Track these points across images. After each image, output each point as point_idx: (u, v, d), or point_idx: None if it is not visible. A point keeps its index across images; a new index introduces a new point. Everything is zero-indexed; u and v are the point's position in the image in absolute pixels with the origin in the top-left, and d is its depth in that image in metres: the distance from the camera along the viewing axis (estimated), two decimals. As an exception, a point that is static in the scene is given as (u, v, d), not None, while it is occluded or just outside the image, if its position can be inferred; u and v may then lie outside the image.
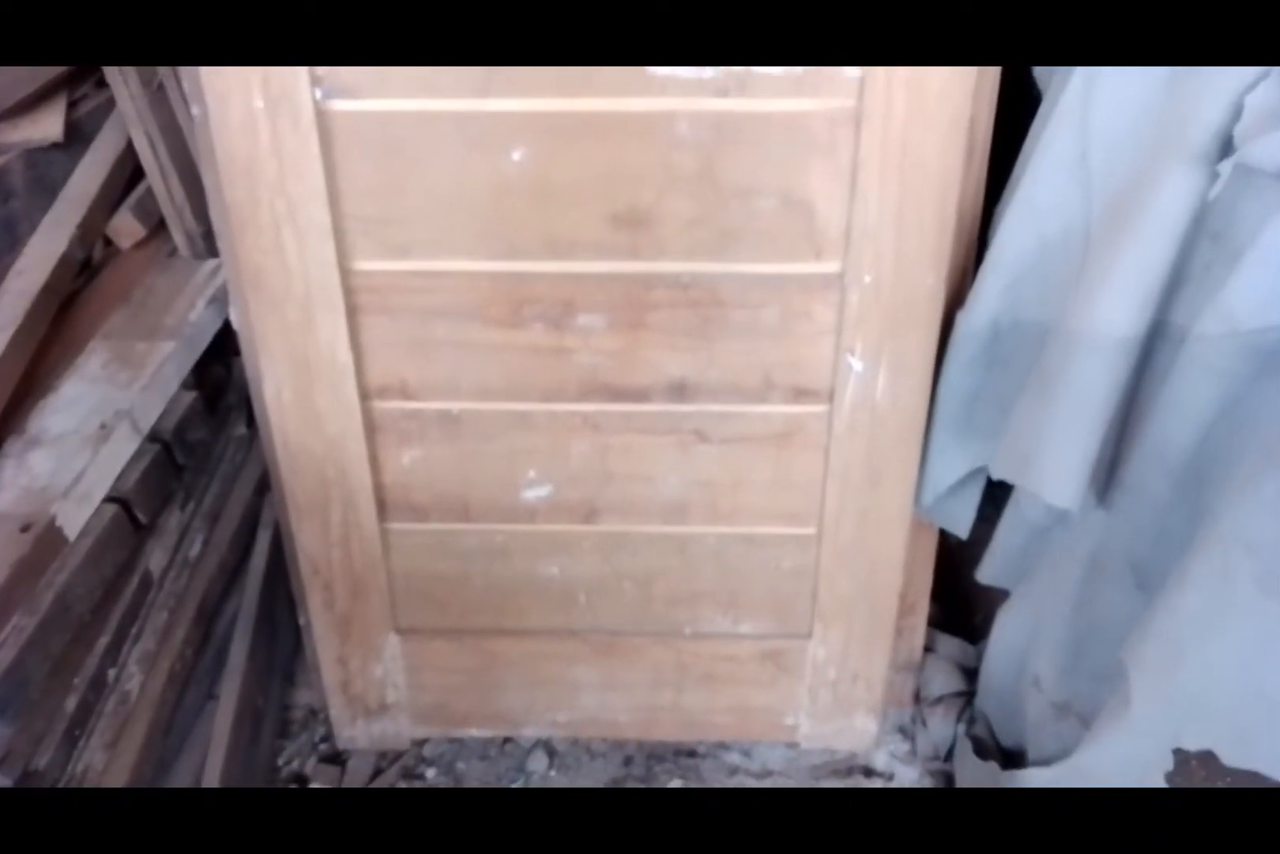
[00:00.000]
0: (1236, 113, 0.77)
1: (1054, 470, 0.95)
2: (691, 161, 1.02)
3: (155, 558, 1.19)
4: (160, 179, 1.29)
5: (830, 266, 1.06)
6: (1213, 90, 0.78)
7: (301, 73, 0.96)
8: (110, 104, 1.37)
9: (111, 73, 1.24)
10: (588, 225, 1.05)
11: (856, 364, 1.10)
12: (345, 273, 1.07)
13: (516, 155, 1.01)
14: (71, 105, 1.40)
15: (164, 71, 1.24)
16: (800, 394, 1.14)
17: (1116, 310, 0.88)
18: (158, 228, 1.36)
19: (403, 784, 1.36)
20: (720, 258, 1.07)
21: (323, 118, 0.99)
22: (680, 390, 1.14)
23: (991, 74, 1.00)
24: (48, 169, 1.34)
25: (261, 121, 0.99)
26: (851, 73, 0.97)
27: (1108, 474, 0.97)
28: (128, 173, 1.35)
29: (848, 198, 1.02)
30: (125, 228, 1.31)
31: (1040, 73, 1.00)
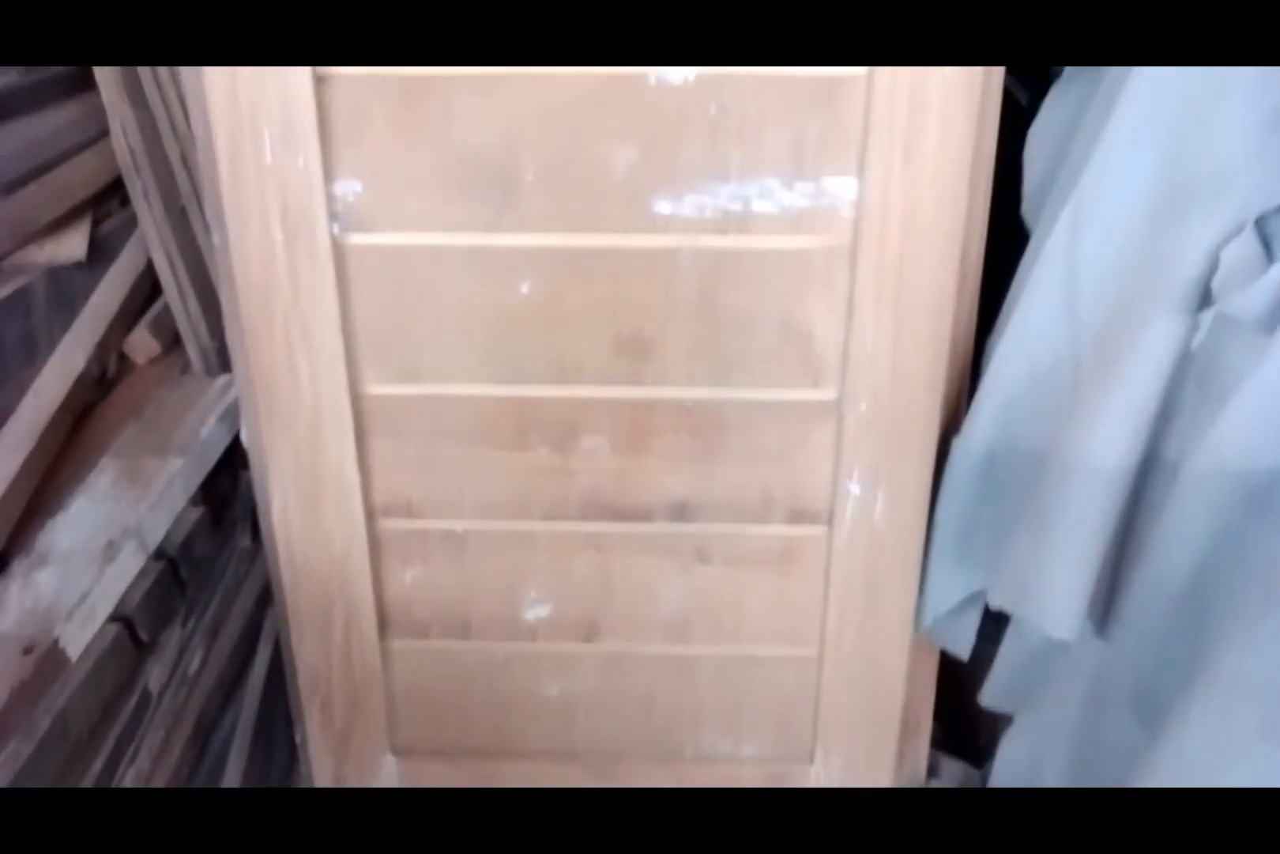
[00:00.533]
0: (1214, 265, 0.80)
1: (1052, 601, 0.95)
2: (693, 293, 1.05)
3: (155, 676, 1.19)
4: (178, 297, 1.33)
5: (828, 393, 1.09)
6: (1191, 241, 0.82)
7: (320, 208, 1.01)
8: (133, 222, 1.43)
9: (136, 196, 1.29)
10: (593, 352, 1.08)
11: (855, 487, 1.12)
12: (356, 396, 1.10)
13: (525, 287, 1.05)
14: (96, 223, 1.46)
15: (186, 196, 1.29)
16: (800, 516, 1.15)
17: (1109, 443, 0.90)
18: (172, 344, 1.40)
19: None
20: (721, 384, 1.09)
21: (339, 250, 1.03)
22: (682, 511, 1.16)
23: (981, 211, 1.04)
24: (69, 285, 1.39)
25: (280, 252, 1.03)
26: (847, 212, 1.02)
27: (1106, 605, 0.98)
28: (146, 290, 1.39)
29: (844, 328, 1.06)
30: (141, 344, 1.35)
31: (1028, 211, 1.05)
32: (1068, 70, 0.97)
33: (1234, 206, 0.80)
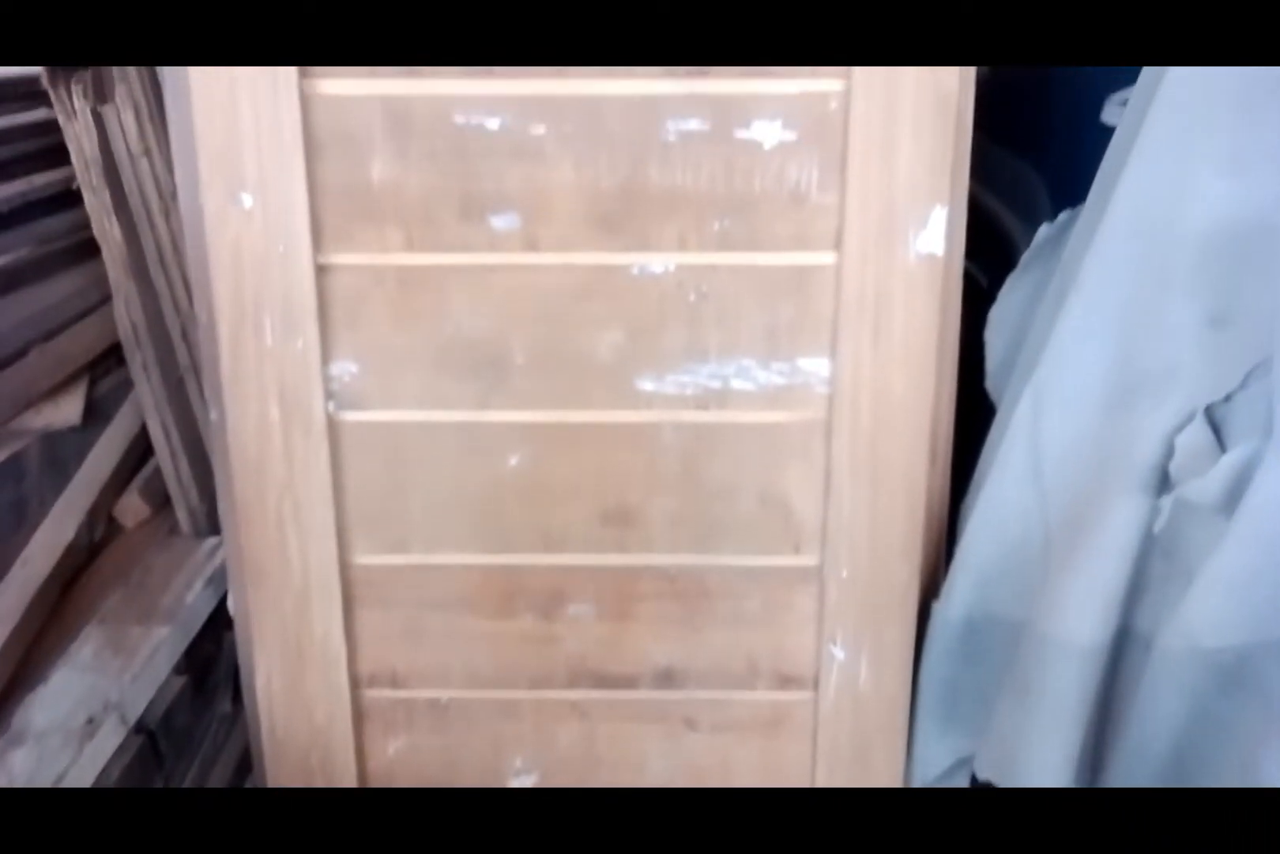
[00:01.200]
0: (1169, 450, 0.85)
1: (1037, 774, 0.96)
2: (675, 465, 1.09)
3: None
4: (170, 462, 1.36)
5: (809, 560, 1.12)
6: (1146, 427, 0.87)
7: (317, 388, 1.05)
8: (128, 383, 1.47)
9: (135, 368, 1.34)
10: (578, 522, 1.11)
11: (839, 653, 1.13)
12: (344, 566, 1.11)
13: (513, 460, 1.09)
14: (92, 383, 1.50)
15: (184, 367, 1.34)
16: (786, 681, 1.16)
17: (1082, 618, 0.93)
18: (162, 505, 1.42)
19: None
20: (704, 551, 1.12)
21: (334, 427, 1.07)
22: (668, 677, 1.16)
23: (949, 387, 1.09)
24: (63, 448, 1.41)
25: (276, 431, 1.06)
26: (821, 389, 1.07)
27: (1091, 776, 0.98)
28: (139, 453, 1.42)
29: (823, 497, 1.09)
30: (132, 508, 1.37)
31: (993, 386, 1.10)
32: (1022, 260, 1.04)
33: (1182, 396, 0.85)
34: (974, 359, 1.11)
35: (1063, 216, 0.98)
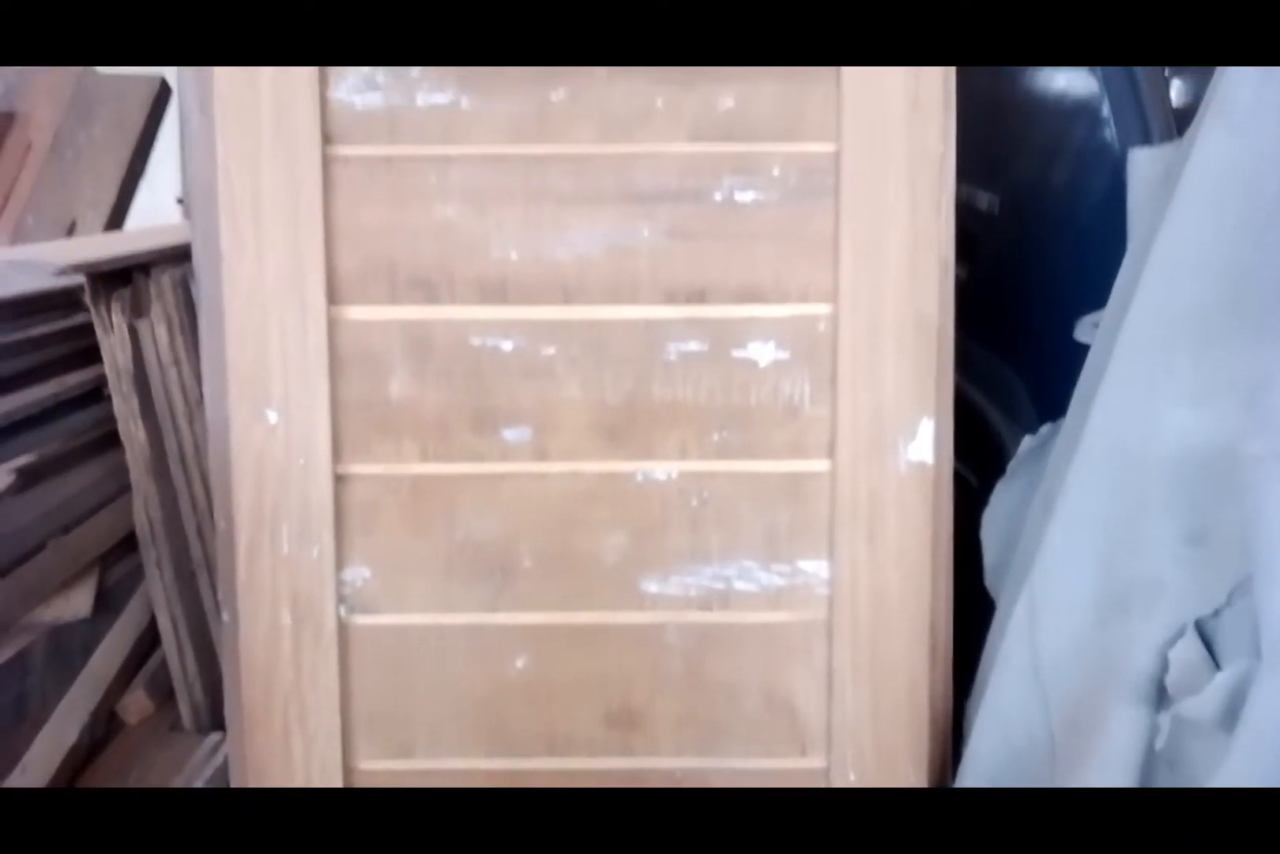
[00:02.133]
0: (1164, 663, 0.87)
1: None
2: (680, 666, 1.10)
3: None
4: (177, 656, 1.37)
5: (816, 762, 1.11)
6: (1138, 639, 0.89)
7: (329, 594, 1.07)
8: (139, 572, 1.49)
9: (149, 563, 1.37)
10: (583, 724, 1.11)
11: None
12: (348, 771, 1.10)
13: (520, 662, 1.10)
14: (103, 571, 1.52)
15: (197, 562, 1.37)
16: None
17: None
18: (165, 699, 1.41)
19: None
20: (710, 754, 1.11)
21: (344, 631, 1.09)
22: (674, 888, 1.13)
23: (945, 585, 1.12)
24: (70, 641, 1.42)
25: (286, 635, 1.08)
26: (821, 590, 1.09)
27: None
28: (146, 647, 1.43)
29: (826, 698, 1.10)
30: (136, 705, 1.36)
31: (991, 583, 1.13)
32: (1009, 468, 1.09)
33: (1169, 609, 0.88)
34: (972, 555, 1.15)
35: (1044, 429, 1.04)
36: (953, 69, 1.01)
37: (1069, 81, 1.22)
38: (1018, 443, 1.16)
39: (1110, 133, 1.10)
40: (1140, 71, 1.08)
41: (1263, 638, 0.77)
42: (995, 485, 1.12)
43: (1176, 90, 1.08)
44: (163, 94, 2.82)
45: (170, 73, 4.34)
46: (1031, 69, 1.34)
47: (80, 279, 1.29)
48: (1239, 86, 0.78)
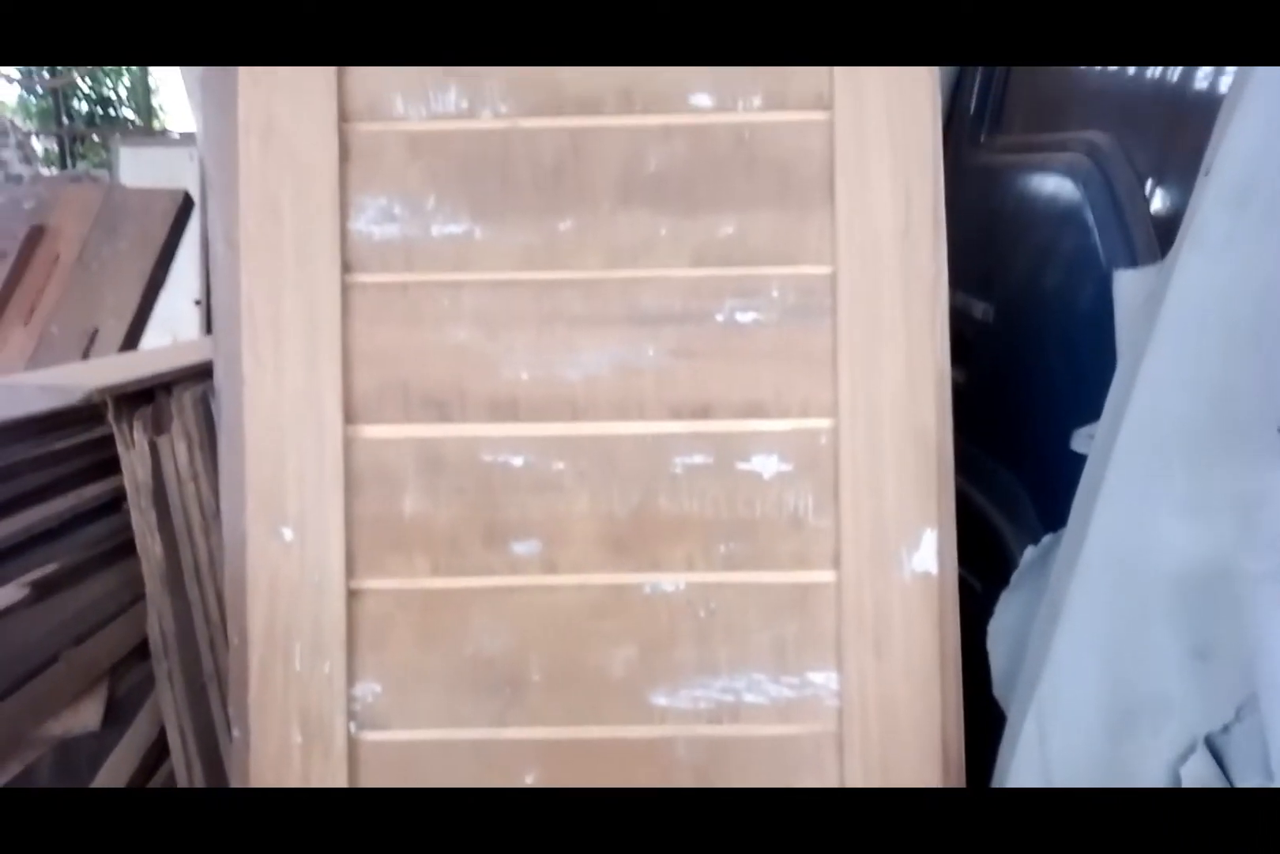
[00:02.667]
0: (1177, 780, 0.86)
1: None
2: (690, 780, 1.09)
3: None
4: (185, 769, 1.36)
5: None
6: (1150, 754, 0.89)
7: (340, 710, 1.08)
8: (149, 681, 1.49)
9: (161, 677, 1.37)
10: (594, 843, 1.09)
11: None
12: (355, 894, 1.09)
13: (529, 778, 1.09)
14: (113, 681, 1.51)
15: (208, 675, 1.37)
16: None
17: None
18: (171, 815, 1.39)
19: None
20: (723, 873, 1.09)
21: (353, 747, 1.08)
22: None
23: (955, 696, 1.11)
24: (77, 754, 1.41)
25: (296, 753, 1.08)
26: (830, 702, 1.09)
27: None
28: (153, 762, 1.42)
29: (840, 814, 1.08)
30: (141, 822, 1.35)
31: (999, 693, 1.13)
32: (1013, 578, 1.10)
33: (1179, 724, 0.88)
34: (980, 663, 1.15)
35: (1046, 540, 1.05)
36: (941, 195, 1.06)
37: (1057, 196, 1.28)
38: (1022, 548, 1.18)
39: (1097, 249, 1.14)
40: (1122, 191, 1.13)
41: (1271, 757, 0.77)
42: (1000, 593, 1.13)
43: (1160, 199, 1.13)
44: (185, 206, 2.93)
45: (193, 186, 4.52)
46: (1021, 188, 1.41)
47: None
48: (1213, 219, 0.82)
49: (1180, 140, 1.13)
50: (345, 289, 1.08)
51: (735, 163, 1.07)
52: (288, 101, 1.06)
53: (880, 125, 1.05)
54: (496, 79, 1.07)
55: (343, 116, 1.07)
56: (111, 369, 1.29)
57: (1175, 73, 1.15)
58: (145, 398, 1.28)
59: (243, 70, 1.07)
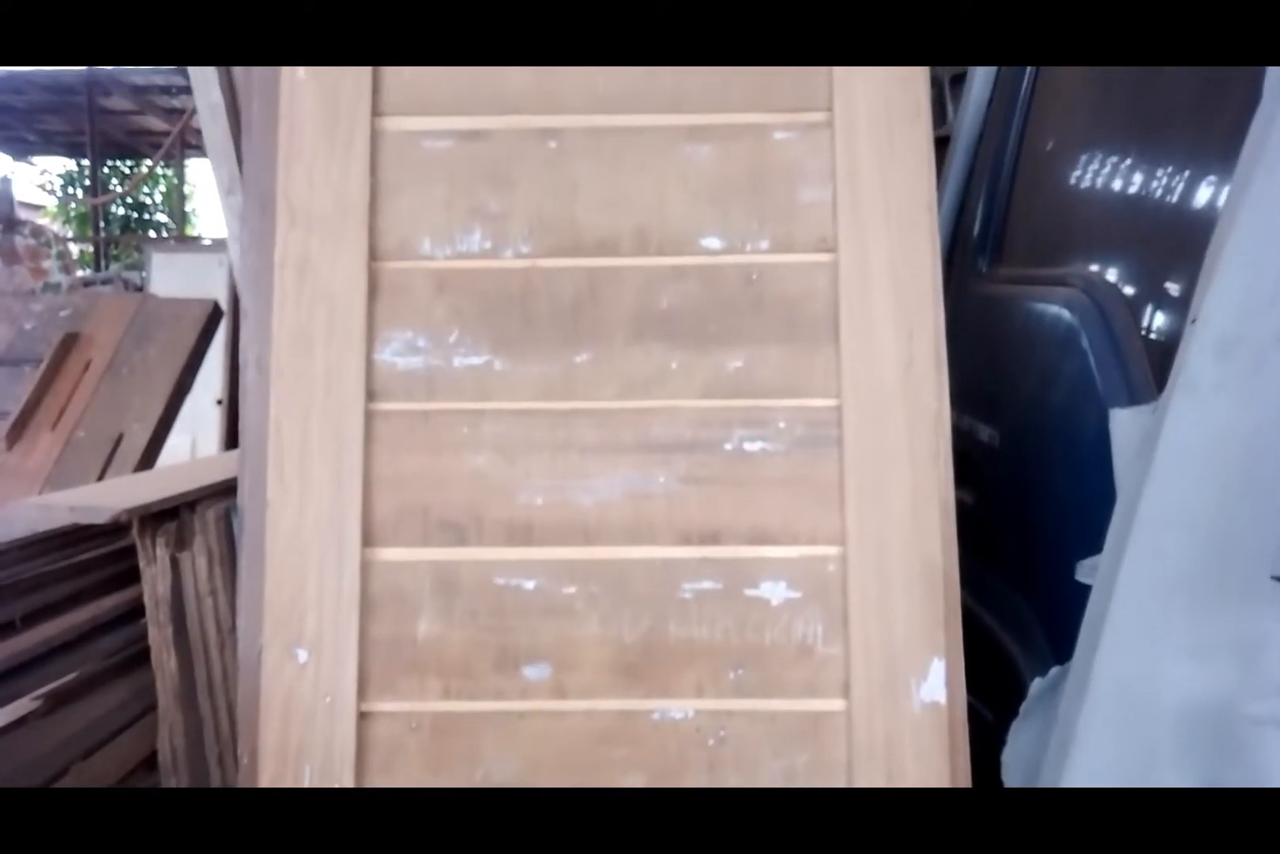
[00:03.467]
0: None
1: None
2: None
3: None
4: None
5: None
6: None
7: (346, 836, 1.07)
8: (153, 798, 1.48)
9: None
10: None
11: None
12: None
13: None
14: (116, 796, 1.50)
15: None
16: None
17: None
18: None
19: None
20: None
21: None
22: None
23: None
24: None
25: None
26: (841, 834, 1.08)
27: None
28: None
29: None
30: (138, 949, 1.32)
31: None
32: (1022, 708, 1.10)
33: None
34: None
35: (1054, 672, 1.06)
36: (942, 332, 1.11)
37: (1056, 329, 1.33)
38: (1033, 674, 1.18)
39: (1095, 383, 1.18)
40: (1118, 328, 1.18)
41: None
42: (1010, 723, 1.13)
43: (1154, 333, 1.17)
44: (215, 315, 3.04)
45: (222, 291, 4.68)
46: (1022, 319, 1.46)
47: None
48: (1202, 366, 0.86)
49: (1170, 277, 1.18)
50: (369, 416, 1.12)
51: (744, 301, 1.13)
52: (323, 241, 1.13)
53: (882, 267, 1.10)
54: (519, 221, 1.14)
55: (373, 255, 1.13)
56: (138, 487, 1.33)
57: (1166, 211, 1.21)
58: (169, 514, 1.32)
59: (281, 211, 1.14)
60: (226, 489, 1.37)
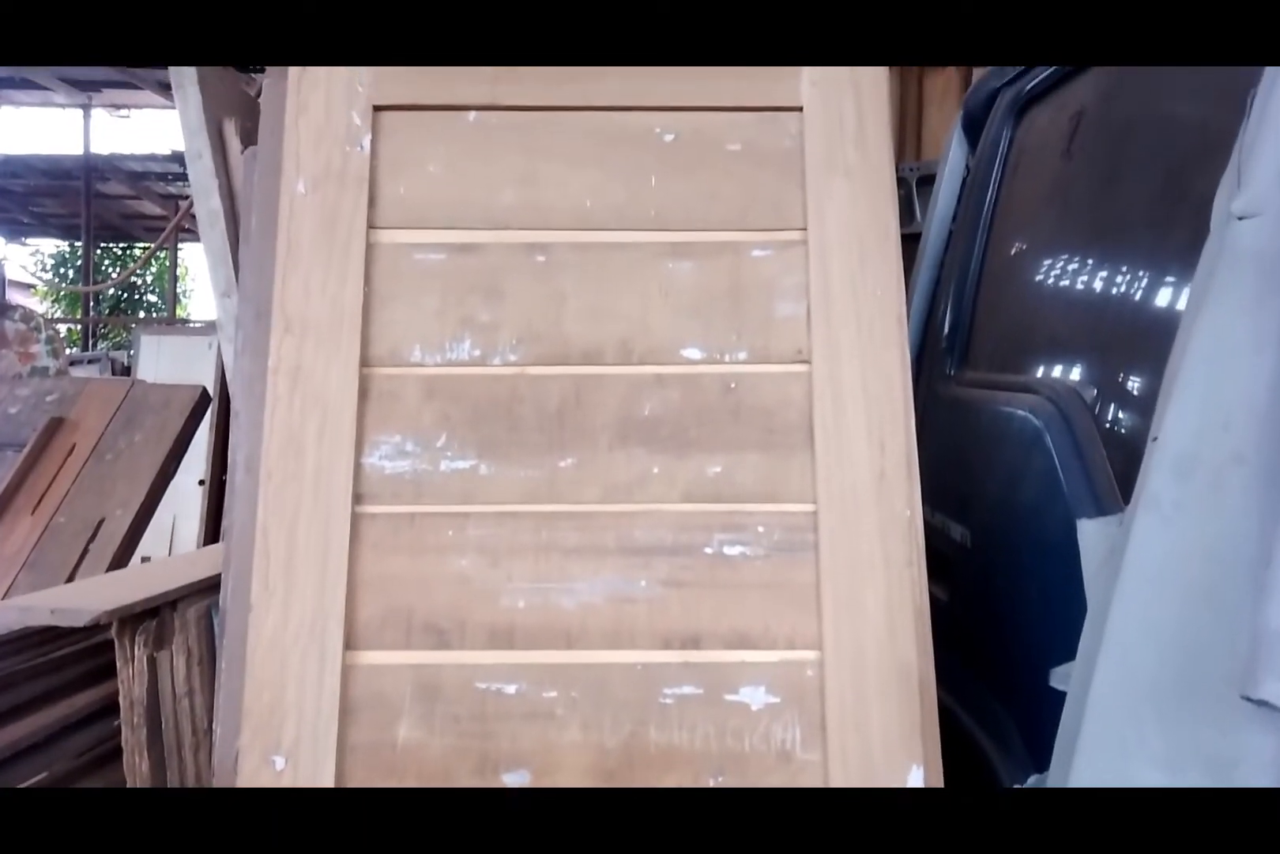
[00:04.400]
0: None
1: None
2: None
3: None
4: None
5: None
6: None
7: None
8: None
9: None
10: None
11: None
12: None
13: None
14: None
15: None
16: None
17: None
18: None
19: None
20: None
21: None
22: None
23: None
24: None
25: None
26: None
27: None
28: None
29: None
30: None
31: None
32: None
33: None
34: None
35: (1032, 780, 1.07)
36: (913, 442, 1.15)
37: (1022, 435, 1.37)
38: (1012, 779, 1.18)
39: (1062, 489, 1.22)
40: (1083, 437, 1.22)
41: None
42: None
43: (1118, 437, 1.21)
44: (203, 401, 3.06)
45: (209, 374, 4.71)
46: (990, 422, 1.50)
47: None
48: (1163, 484, 0.89)
49: (1131, 382, 1.23)
50: (356, 519, 1.14)
51: (723, 409, 1.16)
52: (316, 347, 1.16)
53: (855, 379, 1.14)
54: (508, 331, 1.18)
55: (364, 362, 1.17)
56: (119, 586, 1.33)
57: (1127, 316, 1.26)
58: (149, 612, 1.32)
59: (276, 318, 1.17)
60: (209, 586, 1.37)
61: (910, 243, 1.78)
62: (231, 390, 1.29)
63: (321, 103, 1.21)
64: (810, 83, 1.21)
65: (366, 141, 1.20)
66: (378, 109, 1.22)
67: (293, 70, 1.23)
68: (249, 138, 1.65)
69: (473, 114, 1.22)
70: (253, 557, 1.14)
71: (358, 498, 1.15)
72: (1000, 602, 1.37)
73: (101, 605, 1.21)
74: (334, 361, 1.16)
